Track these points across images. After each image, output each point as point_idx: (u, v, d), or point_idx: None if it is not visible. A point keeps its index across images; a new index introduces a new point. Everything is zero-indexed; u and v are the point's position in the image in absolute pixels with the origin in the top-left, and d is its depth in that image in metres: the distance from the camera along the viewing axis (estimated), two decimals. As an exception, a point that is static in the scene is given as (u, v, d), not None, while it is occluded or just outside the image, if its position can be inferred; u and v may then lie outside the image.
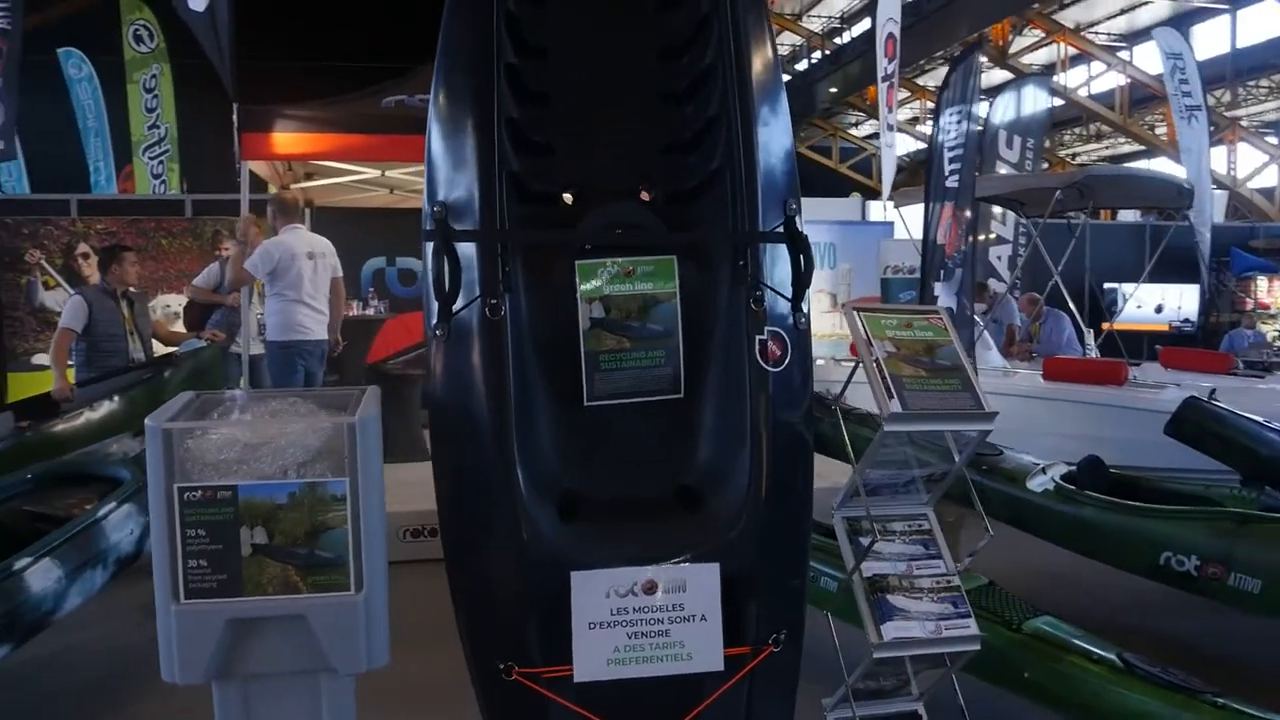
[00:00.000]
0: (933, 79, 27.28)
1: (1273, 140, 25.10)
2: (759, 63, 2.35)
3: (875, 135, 25.16)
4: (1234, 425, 4.90)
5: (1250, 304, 14.39)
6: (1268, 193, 24.70)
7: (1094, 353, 8.16)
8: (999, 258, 10.81)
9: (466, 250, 2.18)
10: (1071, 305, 8.38)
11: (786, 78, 29.04)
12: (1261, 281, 14.65)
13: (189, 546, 1.91)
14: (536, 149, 2.32)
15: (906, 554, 2.44)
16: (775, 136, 2.34)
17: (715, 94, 2.32)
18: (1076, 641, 3.39)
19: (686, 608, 2.14)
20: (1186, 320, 12.38)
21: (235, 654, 1.97)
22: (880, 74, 10.15)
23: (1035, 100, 11.63)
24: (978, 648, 2.38)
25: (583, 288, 2.23)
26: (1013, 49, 24.44)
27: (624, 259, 2.25)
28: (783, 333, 2.25)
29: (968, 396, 2.33)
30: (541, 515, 2.13)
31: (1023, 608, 3.61)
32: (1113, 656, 3.30)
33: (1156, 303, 12.64)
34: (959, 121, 5.87)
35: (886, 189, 9.23)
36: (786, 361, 2.24)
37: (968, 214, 5.93)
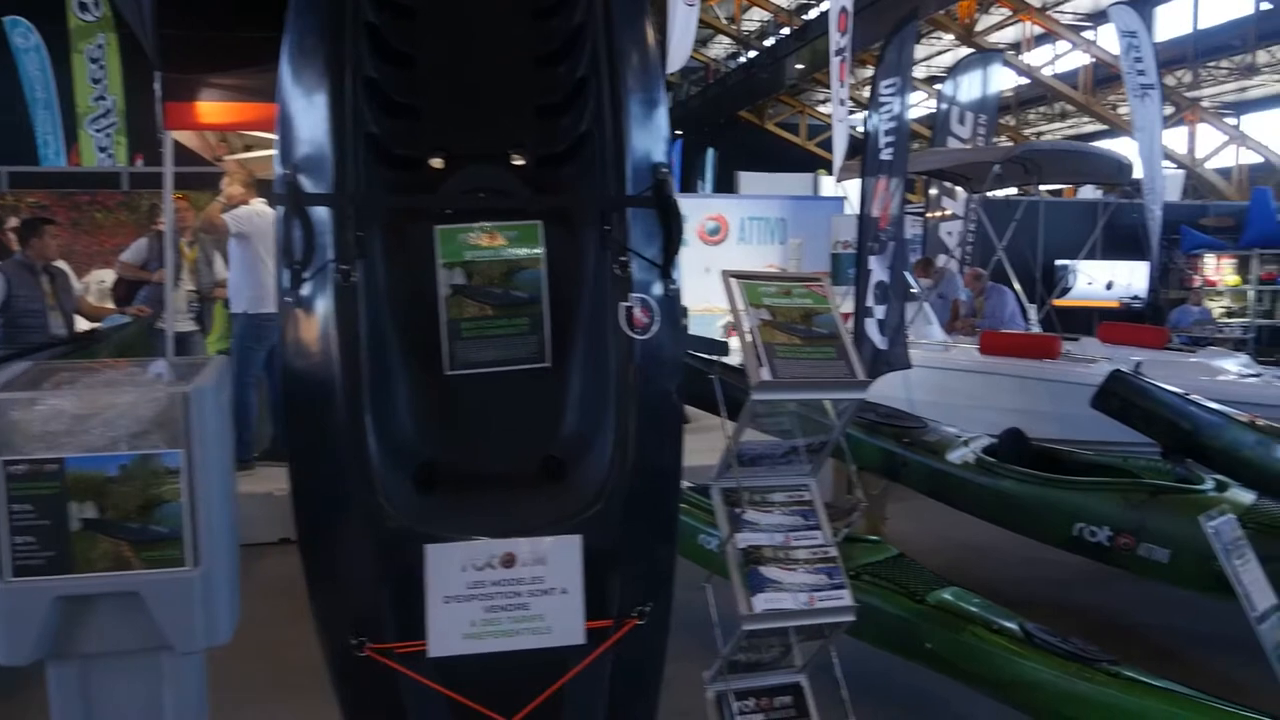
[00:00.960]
0: (898, 56, 27.21)
1: (1232, 121, 25.30)
2: (630, 22, 2.28)
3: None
4: (1156, 398, 4.93)
5: (1198, 281, 14.54)
6: (1226, 173, 24.94)
7: (1036, 328, 8.20)
8: (950, 233, 10.82)
9: (322, 215, 2.11)
10: (1015, 280, 8.41)
11: (753, 54, 29.00)
12: (1209, 259, 14.80)
13: (15, 522, 1.84)
14: (400, 111, 2.24)
15: (785, 525, 2.40)
16: (646, 98, 2.27)
17: (585, 54, 2.25)
18: (980, 612, 3.40)
19: (547, 581, 2.10)
20: (1136, 297, 12.48)
21: (67, 633, 1.90)
22: (833, 48, 10.06)
23: (987, 77, 11.61)
24: (852, 619, 2.35)
25: (443, 254, 2.17)
26: (979, 27, 24.46)
27: (487, 224, 2.19)
28: (650, 300, 2.20)
29: (842, 365, 2.29)
30: (396, 487, 2.07)
31: (929, 579, 3.61)
32: (1014, 626, 3.31)
33: (1107, 279, 12.73)
34: (895, 93, 5.82)
35: (837, 164, 9.19)
36: (654, 329, 2.20)
37: (901, 186, 5.91)
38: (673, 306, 2.23)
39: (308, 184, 2.11)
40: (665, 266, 2.23)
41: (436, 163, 2.29)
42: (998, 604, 3.53)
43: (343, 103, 2.10)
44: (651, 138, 2.28)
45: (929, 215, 11.03)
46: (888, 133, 5.82)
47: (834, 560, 2.36)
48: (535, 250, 2.20)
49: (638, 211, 2.24)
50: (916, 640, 3.38)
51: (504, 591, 2.09)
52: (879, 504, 5.24)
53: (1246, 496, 4.11)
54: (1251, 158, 24.66)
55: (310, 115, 2.13)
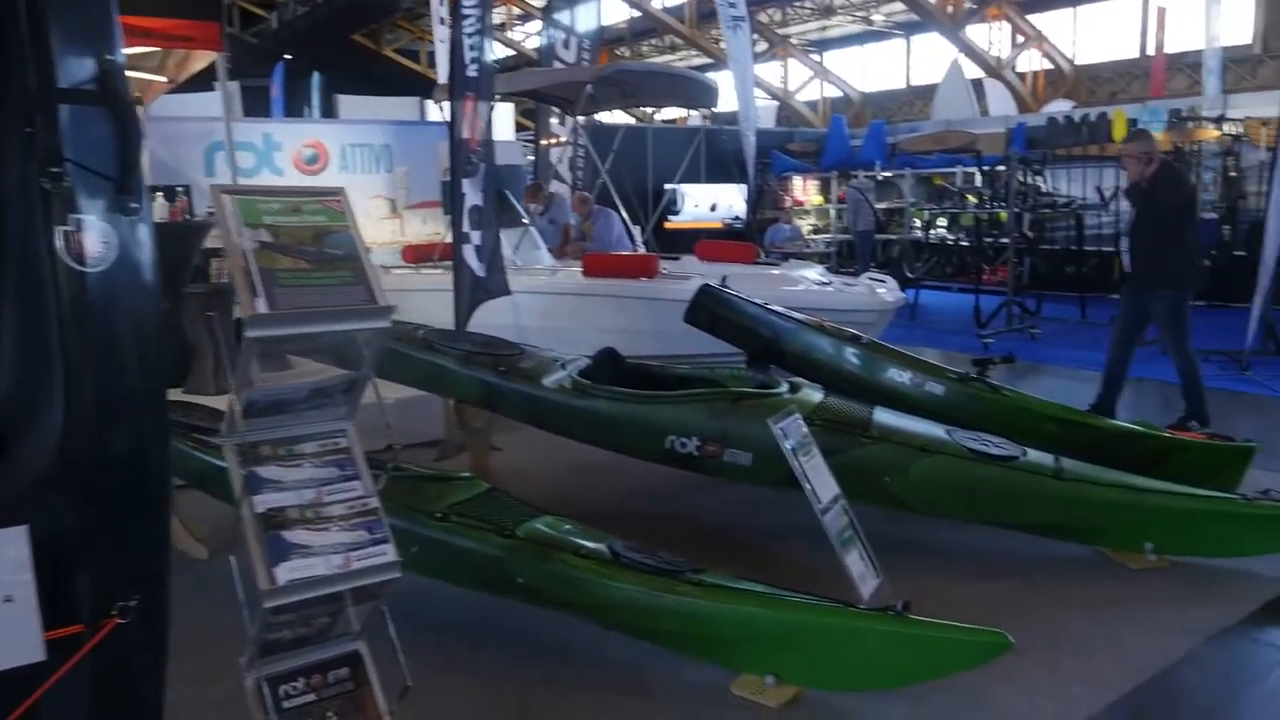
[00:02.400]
0: (515, -16, 27.03)
1: (816, 58, 27.98)
2: None
3: (461, 40, 24.37)
4: (740, 310, 5.15)
5: (788, 201, 16.00)
6: (814, 105, 27.62)
7: (643, 249, 8.44)
8: (560, 159, 10.86)
9: None
10: (619, 203, 8.57)
11: (366, -26, 27.25)
12: (797, 181, 16.34)
13: None
14: None
15: (317, 479, 2.09)
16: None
17: None
18: (571, 539, 3.32)
19: (-19, 588, 1.65)
20: (737, 217, 13.39)
21: None
22: (435, -34, 9.56)
23: (599, 6, 11.70)
24: (398, 574, 2.11)
25: None
26: (589, -44, 24.80)
27: None
28: (101, 221, 1.76)
29: (360, 290, 1.99)
30: None
31: (520, 511, 3.48)
32: (603, 548, 3.26)
33: (712, 202, 13.54)
34: (478, 5, 5.53)
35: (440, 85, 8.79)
36: (111, 259, 1.76)
37: (490, 106, 5.68)
38: (136, 230, 1.80)
39: None
40: (124, 181, 1.79)
41: None
42: (594, 527, 3.48)
43: None
44: (91, 15, 1.80)
45: (542, 142, 10.97)
46: (472, 48, 5.53)
47: (375, 513, 2.08)
48: (-73, 161, 1.68)
49: (82, 112, 1.77)
50: (508, 576, 3.24)
51: (-84, 612, 1.60)
52: (483, 436, 5.07)
53: (816, 395, 4.38)
54: (834, 91, 27.49)
55: None
